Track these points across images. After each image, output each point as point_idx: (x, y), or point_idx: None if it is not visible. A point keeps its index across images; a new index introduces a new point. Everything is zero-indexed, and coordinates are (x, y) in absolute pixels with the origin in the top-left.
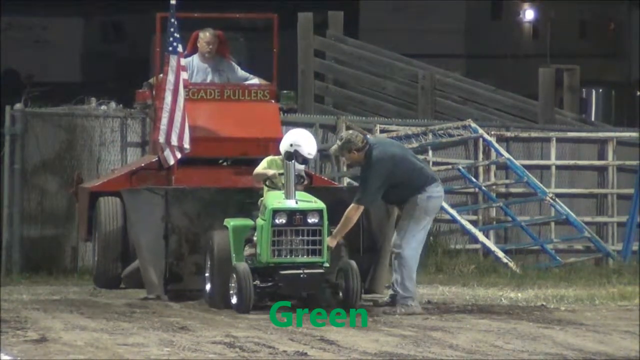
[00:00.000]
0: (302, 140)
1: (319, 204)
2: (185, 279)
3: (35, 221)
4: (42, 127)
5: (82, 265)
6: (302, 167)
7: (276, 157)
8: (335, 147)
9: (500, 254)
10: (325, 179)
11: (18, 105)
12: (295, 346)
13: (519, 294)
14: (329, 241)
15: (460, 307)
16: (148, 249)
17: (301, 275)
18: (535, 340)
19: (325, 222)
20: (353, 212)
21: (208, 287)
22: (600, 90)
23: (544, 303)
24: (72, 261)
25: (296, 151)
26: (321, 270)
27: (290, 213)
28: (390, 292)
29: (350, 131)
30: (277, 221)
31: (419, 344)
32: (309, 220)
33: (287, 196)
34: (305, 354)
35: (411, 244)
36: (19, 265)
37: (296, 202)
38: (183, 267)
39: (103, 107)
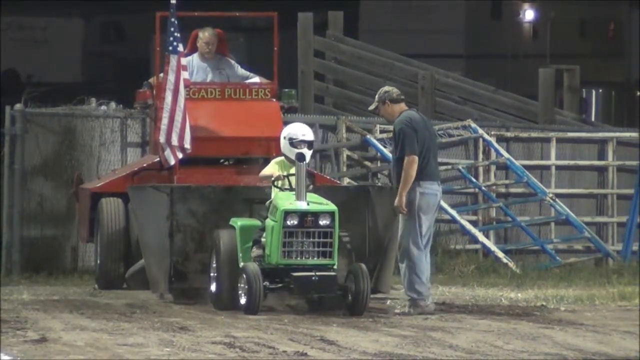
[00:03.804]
0: (292, 128)
1: (331, 206)
2: (190, 278)
3: (35, 221)
4: (42, 127)
5: (82, 265)
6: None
7: (281, 158)
8: (374, 102)
9: (500, 254)
10: (328, 177)
11: (18, 105)
12: (295, 346)
13: (519, 294)
14: (397, 201)
15: (460, 307)
16: (153, 247)
17: (313, 278)
18: (535, 340)
19: (337, 224)
20: (410, 165)
21: (213, 287)
22: (600, 90)
23: (544, 303)
24: (72, 261)
25: (292, 139)
26: (333, 274)
27: (302, 215)
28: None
29: (388, 86)
30: (288, 222)
31: (419, 344)
32: (321, 222)
33: (298, 197)
34: (305, 354)
35: (410, 239)
36: (19, 265)
37: (307, 204)
38: (188, 266)
39: (103, 107)
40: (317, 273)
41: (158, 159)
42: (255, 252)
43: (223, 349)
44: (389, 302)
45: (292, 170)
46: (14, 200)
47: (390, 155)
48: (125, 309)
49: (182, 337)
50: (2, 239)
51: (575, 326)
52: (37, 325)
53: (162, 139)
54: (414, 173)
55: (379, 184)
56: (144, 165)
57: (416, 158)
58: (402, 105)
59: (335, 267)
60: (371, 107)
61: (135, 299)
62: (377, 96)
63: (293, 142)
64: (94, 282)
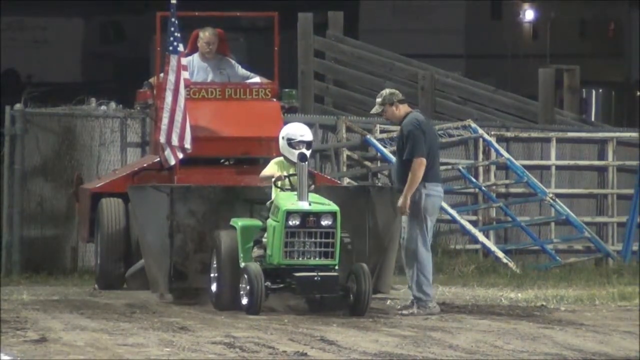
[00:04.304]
0: (291, 128)
1: (333, 206)
2: (190, 278)
3: (35, 221)
4: (42, 127)
5: (82, 265)
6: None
7: (280, 158)
8: (376, 105)
9: (500, 254)
10: (329, 177)
11: (18, 105)
12: (295, 346)
13: (519, 294)
14: (402, 202)
15: (460, 307)
16: (153, 247)
17: (315, 278)
18: (535, 340)
19: (339, 225)
20: (418, 167)
21: (214, 287)
22: (600, 90)
23: (544, 303)
24: (72, 261)
25: (290, 140)
26: (336, 274)
27: (304, 215)
28: (410, 296)
29: (389, 88)
30: (290, 223)
31: (419, 344)
32: (323, 223)
33: (300, 198)
34: (305, 354)
35: (418, 241)
36: (19, 265)
37: (309, 204)
38: (188, 266)
39: (103, 107)
40: (320, 273)
41: (158, 159)
42: (257, 252)
43: (223, 349)
44: (389, 302)
45: (292, 170)
46: (14, 200)
47: (389, 155)
48: (125, 309)
49: (182, 337)
50: (2, 239)
51: (575, 326)
52: (37, 325)
53: (162, 139)
54: (421, 175)
55: (379, 184)
56: (144, 165)
57: (425, 161)
58: (407, 107)
59: (336, 267)
60: (375, 111)
61: (135, 299)
62: (380, 99)
63: (291, 143)
64: (94, 282)
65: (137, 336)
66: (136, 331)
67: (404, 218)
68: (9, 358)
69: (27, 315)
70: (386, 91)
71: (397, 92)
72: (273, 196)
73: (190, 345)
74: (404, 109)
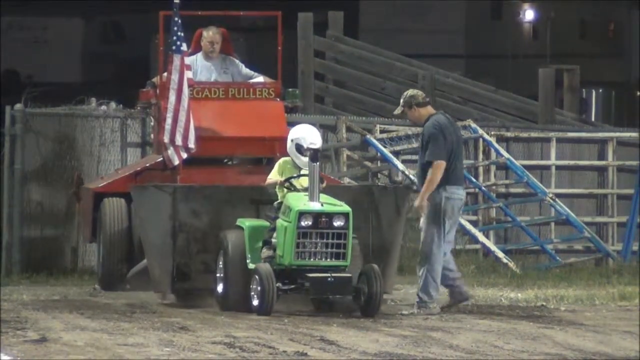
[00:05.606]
0: (301, 132)
1: (345, 207)
2: (193, 278)
3: (35, 221)
4: (42, 127)
5: (82, 265)
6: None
7: (287, 158)
8: (399, 106)
9: (500, 254)
10: (333, 177)
11: (18, 105)
12: (295, 346)
13: (519, 294)
14: (418, 202)
15: (460, 307)
16: (155, 247)
17: (329, 279)
18: (535, 340)
19: (351, 225)
20: (437, 170)
21: (220, 288)
22: (600, 90)
23: (544, 303)
24: (72, 261)
25: (299, 145)
26: (349, 275)
27: (316, 215)
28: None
29: (412, 89)
30: (302, 223)
31: (419, 344)
32: (335, 224)
33: (312, 198)
34: (305, 354)
35: (433, 243)
36: (19, 265)
37: (322, 205)
38: (191, 266)
39: (103, 107)
40: (333, 274)
41: (161, 158)
42: (266, 253)
43: (223, 349)
44: (389, 301)
45: (295, 172)
46: (14, 200)
47: (389, 155)
48: (125, 309)
49: (182, 337)
50: (2, 239)
51: (575, 326)
52: (37, 325)
53: (166, 138)
54: (439, 178)
55: (380, 184)
56: (147, 165)
57: (444, 164)
58: (429, 109)
59: (347, 268)
60: (396, 112)
61: (135, 299)
62: (402, 100)
63: (300, 149)
64: (95, 282)
65: (137, 336)
66: (136, 331)
67: (424, 220)
68: (9, 358)
69: (27, 315)
70: (407, 93)
71: (418, 94)
72: (279, 197)
73: (190, 345)
74: (425, 111)
